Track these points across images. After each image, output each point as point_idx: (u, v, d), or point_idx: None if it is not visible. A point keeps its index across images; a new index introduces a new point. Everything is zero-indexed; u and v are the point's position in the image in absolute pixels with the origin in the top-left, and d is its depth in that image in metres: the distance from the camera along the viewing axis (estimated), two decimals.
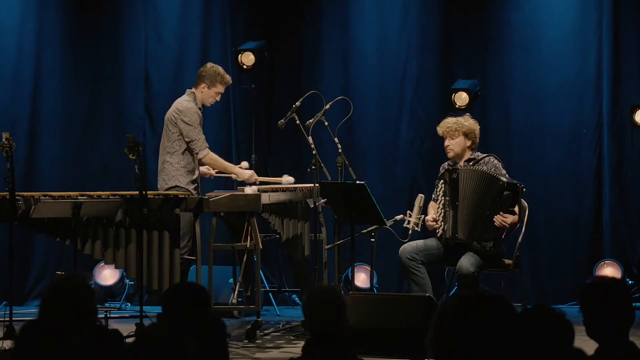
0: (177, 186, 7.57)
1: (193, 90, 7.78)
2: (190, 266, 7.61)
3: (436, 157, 8.03)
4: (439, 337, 2.66)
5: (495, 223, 7.16)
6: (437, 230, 7.39)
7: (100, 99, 9.47)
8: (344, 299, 4.05)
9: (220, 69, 7.81)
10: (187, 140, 7.60)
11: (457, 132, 7.43)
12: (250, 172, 7.83)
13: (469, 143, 7.46)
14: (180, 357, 2.90)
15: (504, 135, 9.52)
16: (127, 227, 6.86)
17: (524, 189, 7.30)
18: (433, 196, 7.60)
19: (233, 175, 7.88)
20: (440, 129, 7.50)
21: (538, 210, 8.79)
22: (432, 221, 7.39)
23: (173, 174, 7.64)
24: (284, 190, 7.63)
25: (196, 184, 7.72)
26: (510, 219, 7.20)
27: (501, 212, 7.18)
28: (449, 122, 7.48)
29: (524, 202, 7.38)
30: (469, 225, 7.25)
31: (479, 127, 7.53)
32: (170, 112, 7.70)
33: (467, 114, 7.74)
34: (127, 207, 6.82)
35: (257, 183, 7.74)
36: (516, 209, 7.26)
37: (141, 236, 6.75)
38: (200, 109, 7.75)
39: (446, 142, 7.48)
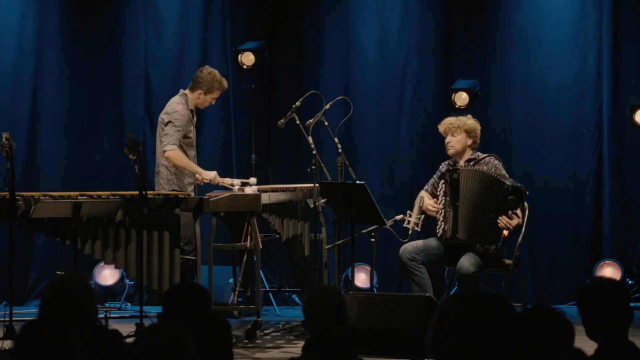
0: (173, 190, 7.57)
1: (186, 92, 7.79)
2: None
3: (436, 157, 8.02)
4: (439, 337, 2.66)
5: (499, 224, 7.15)
6: (437, 230, 7.39)
7: (100, 99, 9.47)
8: (344, 299, 4.05)
9: (217, 75, 7.79)
10: (163, 134, 7.61)
11: (459, 129, 7.44)
12: (214, 173, 7.74)
13: (470, 142, 7.46)
14: (180, 357, 2.90)
15: (504, 135, 9.52)
16: (127, 227, 6.86)
17: (527, 192, 7.30)
18: (425, 187, 7.61)
19: (197, 176, 7.76)
20: (442, 127, 7.51)
21: (538, 210, 8.79)
22: (432, 207, 7.38)
23: (169, 178, 7.66)
24: (284, 190, 7.63)
25: (193, 185, 7.71)
26: (515, 221, 7.19)
27: (504, 215, 7.19)
28: (451, 119, 7.52)
29: (525, 202, 7.37)
30: (470, 226, 7.25)
31: (480, 128, 7.54)
32: (160, 115, 7.74)
33: (469, 114, 7.75)
34: (127, 207, 6.82)
35: (220, 184, 7.66)
36: (519, 212, 7.25)
37: (141, 236, 6.75)
38: (192, 110, 7.76)
39: (447, 139, 7.48)
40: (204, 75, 7.77)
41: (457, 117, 7.55)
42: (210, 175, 7.71)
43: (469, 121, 7.47)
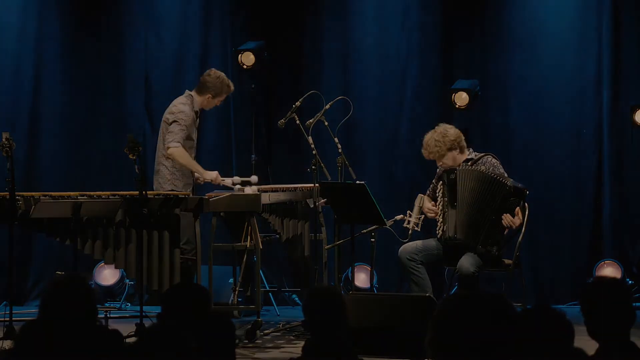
0: (173, 190, 7.57)
1: (192, 93, 7.78)
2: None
3: None
4: (439, 337, 2.66)
5: (503, 221, 7.14)
6: (436, 231, 7.39)
7: (100, 98, 9.47)
8: (344, 299, 4.05)
9: (225, 78, 7.81)
10: (167, 132, 7.60)
11: (442, 152, 7.35)
12: (215, 173, 7.75)
13: (457, 152, 7.41)
14: (180, 358, 2.90)
15: (504, 135, 9.52)
16: (127, 227, 6.86)
17: (527, 192, 7.29)
18: (428, 192, 7.60)
19: (197, 175, 7.77)
20: (426, 154, 7.41)
21: (538, 210, 8.78)
22: (431, 211, 7.35)
23: (169, 178, 7.65)
24: (284, 190, 7.63)
25: (191, 187, 7.71)
26: (518, 221, 7.19)
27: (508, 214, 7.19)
28: (430, 145, 7.33)
29: (525, 202, 7.36)
30: (469, 226, 7.24)
31: (457, 131, 7.42)
32: (165, 115, 7.74)
33: (441, 123, 7.56)
34: (127, 207, 6.82)
35: (222, 184, 7.68)
36: (519, 212, 7.24)
37: (141, 236, 6.75)
38: (197, 112, 7.77)
39: (438, 164, 7.43)
40: (212, 80, 7.76)
41: (432, 136, 7.33)
42: (212, 175, 7.72)
43: (445, 138, 7.31)
